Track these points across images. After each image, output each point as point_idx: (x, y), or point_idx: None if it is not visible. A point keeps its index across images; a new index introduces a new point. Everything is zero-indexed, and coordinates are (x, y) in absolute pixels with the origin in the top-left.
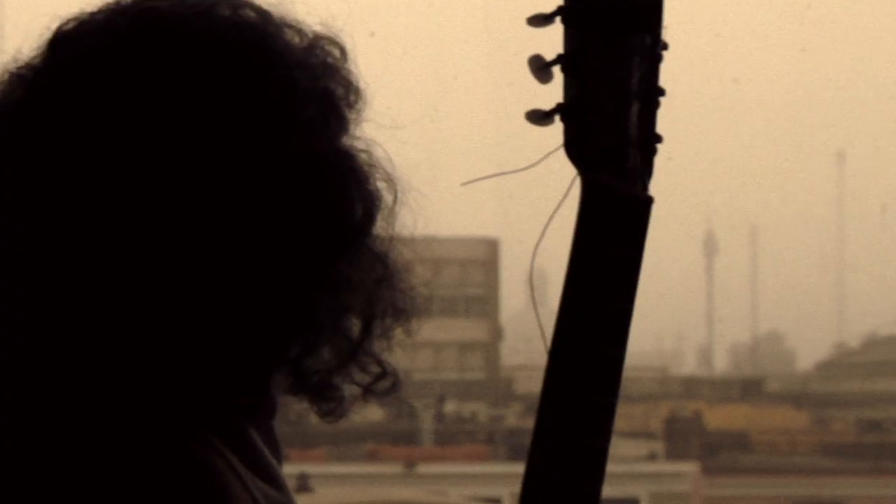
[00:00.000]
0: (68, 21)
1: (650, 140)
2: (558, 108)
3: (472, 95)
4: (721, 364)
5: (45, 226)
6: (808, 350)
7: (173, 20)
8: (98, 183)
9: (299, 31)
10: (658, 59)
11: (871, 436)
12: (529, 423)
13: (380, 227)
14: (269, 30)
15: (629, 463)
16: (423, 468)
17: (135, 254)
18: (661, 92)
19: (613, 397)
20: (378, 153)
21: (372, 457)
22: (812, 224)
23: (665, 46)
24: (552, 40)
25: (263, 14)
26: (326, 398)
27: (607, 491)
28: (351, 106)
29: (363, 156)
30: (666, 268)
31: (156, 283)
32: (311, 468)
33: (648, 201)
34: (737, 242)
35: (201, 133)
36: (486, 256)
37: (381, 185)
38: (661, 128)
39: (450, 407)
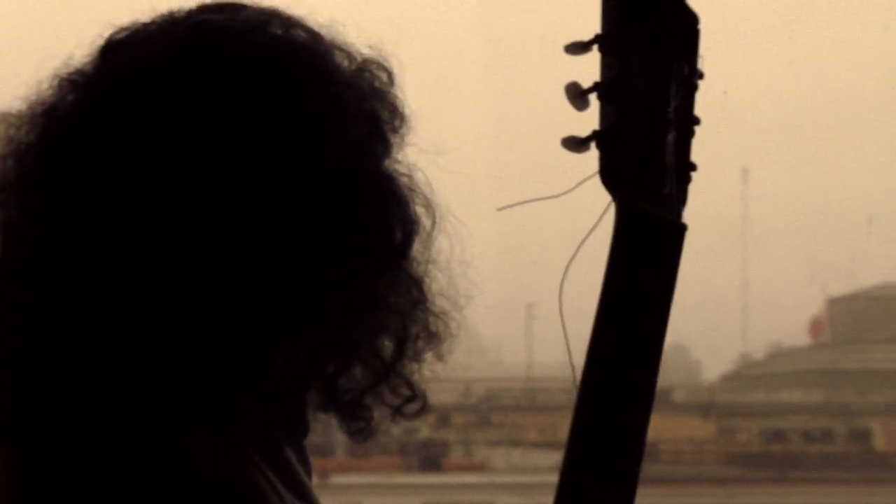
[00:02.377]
0: (121, 30)
1: (685, 168)
2: (595, 135)
3: (470, 105)
4: None
5: (100, 229)
6: (714, 361)
7: (227, 33)
8: (146, 191)
9: (348, 54)
10: (694, 87)
11: (776, 446)
12: (441, 434)
13: (417, 251)
14: (319, 49)
15: (540, 473)
16: (337, 479)
17: (178, 263)
18: (697, 120)
19: (645, 420)
20: (418, 178)
21: None
22: (717, 238)
23: (701, 75)
24: (549, 52)
25: (314, 34)
26: (356, 417)
27: (518, 501)
28: (395, 130)
29: (404, 179)
30: (576, 281)
31: (199, 296)
32: None
33: (683, 228)
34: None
35: (250, 147)
36: None
37: (420, 209)
38: None
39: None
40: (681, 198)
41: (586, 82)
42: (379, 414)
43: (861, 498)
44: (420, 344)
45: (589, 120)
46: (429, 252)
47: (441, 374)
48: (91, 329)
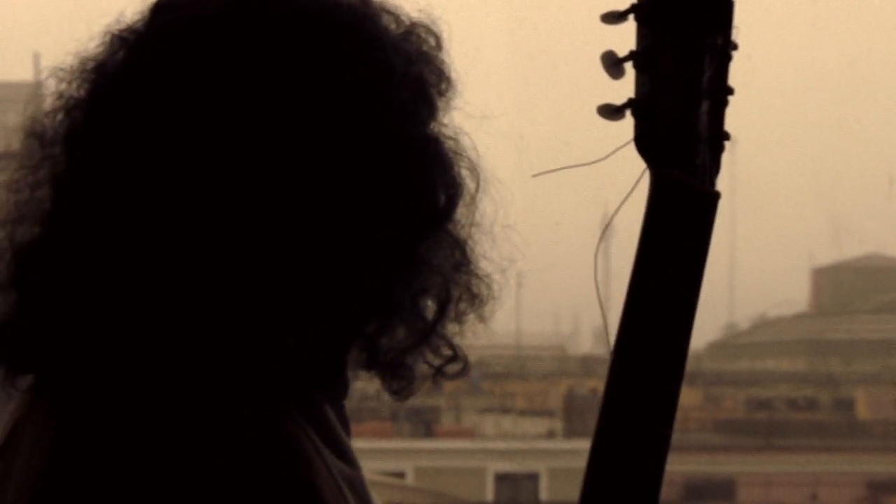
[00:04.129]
0: None
1: (718, 137)
2: (629, 104)
3: (492, 70)
4: None
5: (147, 185)
6: (700, 330)
7: None
8: (193, 149)
9: (396, 18)
10: (728, 58)
11: (761, 413)
12: (431, 401)
13: (460, 213)
14: (367, 12)
15: (529, 440)
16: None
17: (223, 222)
18: (730, 91)
19: (677, 387)
20: (464, 142)
21: None
22: None
23: (735, 46)
24: (575, 17)
25: None
26: (398, 377)
27: (507, 467)
28: (442, 93)
29: (450, 143)
30: (564, 251)
31: (243, 255)
32: None
33: (716, 196)
34: (630, 227)
35: (298, 107)
36: None
37: (465, 172)
38: None
39: (355, 384)
40: (714, 167)
41: (605, 49)
42: (420, 373)
43: (844, 465)
44: (462, 306)
45: (616, 86)
46: (472, 215)
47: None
48: (135, 286)
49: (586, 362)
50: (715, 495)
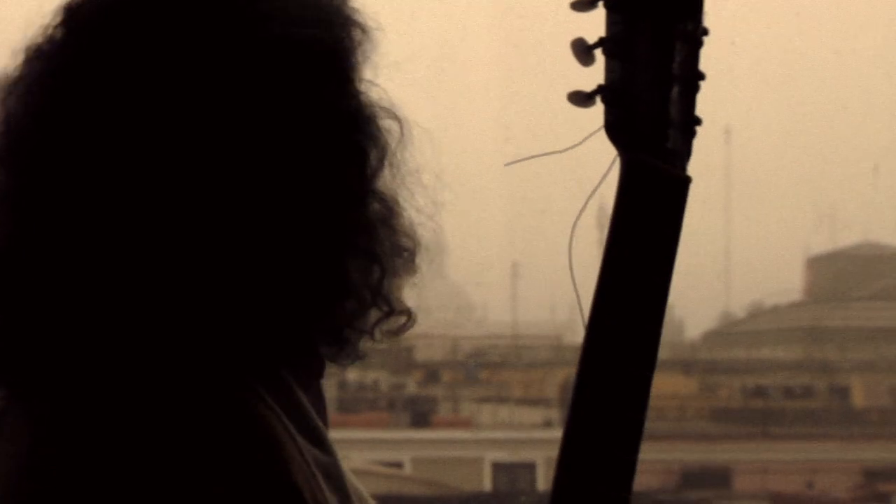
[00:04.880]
0: None
1: (689, 122)
2: (600, 90)
3: (478, 56)
4: None
5: (85, 189)
6: (696, 319)
7: None
8: (126, 144)
9: None
10: (699, 44)
11: (757, 401)
12: (429, 390)
13: (383, 166)
14: None
15: (526, 429)
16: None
17: (167, 214)
18: (701, 76)
19: (650, 371)
20: (379, 94)
21: None
22: (700, 197)
23: (706, 32)
24: (558, 7)
25: None
26: (349, 345)
27: (505, 456)
28: (357, 47)
29: (368, 97)
30: (560, 241)
31: (194, 242)
32: None
33: (687, 181)
34: None
35: (220, 93)
36: None
37: (386, 124)
38: None
39: (352, 375)
40: (685, 152)
41: (594, 38)
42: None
43: (840, 453)
44: (394, 260)
45: (599, 75)
46: (398, 167)
47: (427, 332)
48: (90, 286)
49: None
50: (711, 483)
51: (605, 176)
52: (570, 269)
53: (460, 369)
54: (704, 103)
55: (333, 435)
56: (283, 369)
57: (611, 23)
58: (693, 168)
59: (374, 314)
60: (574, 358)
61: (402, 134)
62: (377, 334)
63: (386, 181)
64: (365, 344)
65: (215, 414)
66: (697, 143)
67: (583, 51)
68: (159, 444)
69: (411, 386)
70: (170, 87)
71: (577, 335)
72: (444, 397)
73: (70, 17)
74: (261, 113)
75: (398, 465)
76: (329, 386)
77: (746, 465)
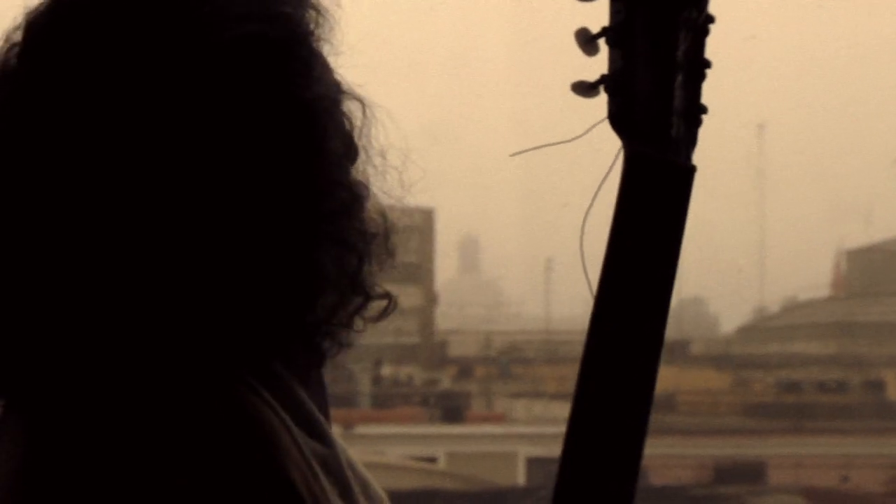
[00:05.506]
0: (35, 8)
1: (695, 111)
2: (603, 80)
3: (493, 53)
4: None
5: (60, 194)
6: (731, 314)
7: None
8: (95, 149)
9: None
10: (704, 31)
11: (790, 396)
12: (462, 385)
13: (350, 150)
14: None
15: (560, 424)
16: (362, 429)
17: (138, 214)
18: (707, 64)
19: (654, 365)
20: (341, 76)
21: None
22: (734, 192)
23: (711, 19)
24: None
25: None
26: (334, 337)
27: (539, 451)
28: (313, 31)
29: (331, 84)
30: (594, 237)
31: (164, 237)
32: None
33: (691, 170)
34: None
35: (176, 98)
36: (421, 224)
37: (349, 107)
38: None
39: (386, 370)
40: (690, 141)
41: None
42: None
43: (874, 447)
44: (366, 245)
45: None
46: (363, 151)
47: (460, 328)
48: (84, 285)
49: None
50: (744, 478)
51: (611, 167)
52: (583, 262)
53: (494, 365)
54: (737, 98)
55: (367, 430)
56: (277, 363)
57: (613, 12)
58: (726, 163)
59: (353, 302)
60: None
61: (365, 116)
62: (358, 322)
63: (352, 166)
64: (350, 334)
65: (208, 411)
66: (729, 138)
67: (586, 41)
68: (152, 444)
69: (445, 381)
70: (128, 95)
71: None
72: (477, 392)
73: (28, 30)
74: (217, 113)
75: (432, 459)
76: (363, 381)
77: (780, 460)
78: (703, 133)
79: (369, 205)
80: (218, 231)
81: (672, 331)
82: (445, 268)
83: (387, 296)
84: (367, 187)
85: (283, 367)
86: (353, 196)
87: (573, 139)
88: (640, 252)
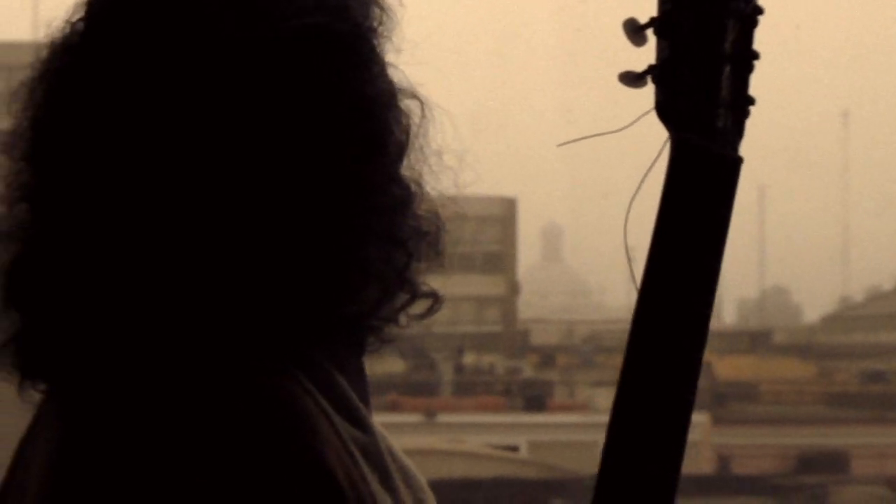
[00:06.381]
0: None
1: (742, 102)
2: (650, 70)
3: (538, 42)
4: (729, 318)
5: (109, 182)
6: (814, 303)
7: None
8: (149, 138)
9: None
10: (753, 23)
11: (874, 386)
12: (544, 374)
13: (407, 148)
14: None
15: None
16: (443, 418)
17: (193, 201)
18: (756, 55)
19: (699, 353)
20: (402, 74)
21: (393, 407)
22: (818, 183)
23: (760, 11)
24: None
25: None
26: (378, 332)
27: None
28: (377, 28)
29: (390, 78)
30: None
31: (215, 225)
32: None
33: (737, 161)
34: (745, 201)
35: (239, 88)
36: (503, 214)
37: (408, 105)
38: None
39: (468, 359)
40: (737, 131)
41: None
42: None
43: None
44: (416, 244)
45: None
46: (419, 150)
47: (542, 316)
48: (119, 281)
49: None
50: (828, 467)
51: (657, 157)
52: (626, 251)
53: (576, 353)
54: (822, 88)
55: (449, 418)
56: (318, 352)
57: (661, 2)
58: (810, 152)
59: (399, 299)
60: None
61: (423, 115)
62: (402, 319)
63: (408, 164)
64: (392, 329)
65: (244, 400)
66: (814, 128)
67: (634, 31)
68: (187, 434)
69: (527, 370)
70: (191, 81)
71: None
72: (559, 381)
73: (91, 10)
74: (277, 100)
75: (514, 448)
76: (445, 369)
77: (863, 450)
78: (788, 123)
79: (422, 203)
80: (264, 218)
81: (755, 320)
82: (528, 257)
83: (433, 294)
84: (420, 185)
85: (323, 356)
86: (406, 193)
87: (620, 129)
88: (684, 243)
